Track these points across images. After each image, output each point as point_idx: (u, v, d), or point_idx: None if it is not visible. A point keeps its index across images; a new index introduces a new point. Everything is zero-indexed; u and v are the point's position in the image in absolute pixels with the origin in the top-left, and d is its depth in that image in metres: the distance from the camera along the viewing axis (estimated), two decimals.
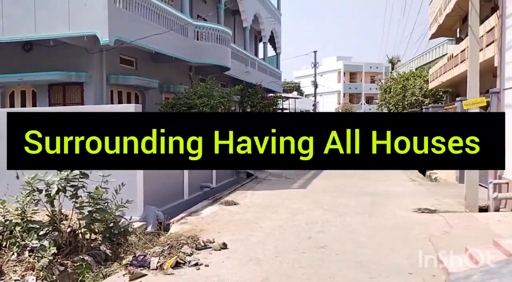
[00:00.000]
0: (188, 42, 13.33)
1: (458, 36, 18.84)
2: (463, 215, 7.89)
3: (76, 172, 5.21)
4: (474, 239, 5.98)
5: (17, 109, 10.50)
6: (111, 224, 5.82)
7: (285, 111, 28.07)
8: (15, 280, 4.60)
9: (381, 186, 12.07)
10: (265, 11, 22.58)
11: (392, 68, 46.13)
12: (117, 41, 9.65)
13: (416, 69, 28.18)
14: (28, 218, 5.19)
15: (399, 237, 6.50)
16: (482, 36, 10.87)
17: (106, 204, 5.65)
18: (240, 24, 20.15)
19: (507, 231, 6.31)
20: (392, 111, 26.20)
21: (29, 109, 9.84)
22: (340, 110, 56.75)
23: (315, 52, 39.13)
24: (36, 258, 4.77)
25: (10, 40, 10.07)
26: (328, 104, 62.67)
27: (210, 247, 5.90)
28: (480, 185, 9.04)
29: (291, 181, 13.18)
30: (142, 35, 10.31)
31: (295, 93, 45.18)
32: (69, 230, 5.46)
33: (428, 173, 15.13)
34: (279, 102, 23.37)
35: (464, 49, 10.44)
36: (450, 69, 15.79)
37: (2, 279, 4.46)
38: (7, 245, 4.92)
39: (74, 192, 5.34)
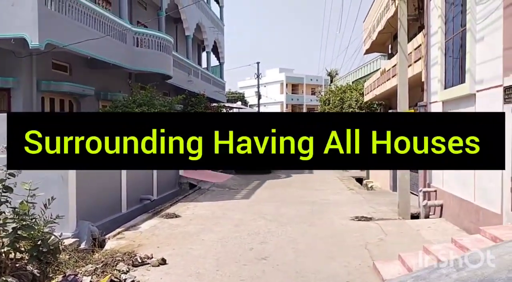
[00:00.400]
0: (127, 48, 12.89)
1: (390, 52, 20.08)
2: (396, 222, 8.31)
3: None
4: (406, 245, 6.30)
5: None
6: (39, 242, 5.37)
7: None
8: None
9: (321, 194, 12.43)
10: (208, 21, 22.55)
11: (331, 81, 48.13)
12: (48, 45, 9.05)
13: (352, 82, 29.62)
14: None
15: (338, 245, 6.69)
16: (411, 52, 11.69)
17: (33, 220, 5.20)
18: (182, 32, 19.91)
19: (435, 237, 6.74)
20: None
21: None
22: None
23: (257, 63, 39.86)
24: None
25: None
26: None
27: (148, 263, 5.65)
28: (412, 193, 9.63)
29: (234, 192, 13.14)
30: (77, 39, 9.77)
31: (239, 103, 45.41)
32: None
33: (364, 181, 15.87)
34: (222, 112, 23.32)
35: (395, 65, 11.14)
36: (383, 83, 16.76)
37: None
38: None
39: None
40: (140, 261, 5.67)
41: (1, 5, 8.74)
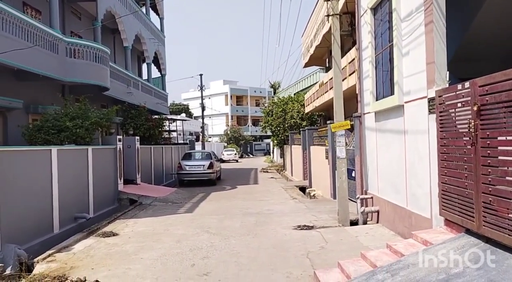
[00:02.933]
0: (60, 59, 12.22)
1: (327, 65, 20.94)
2: (336, 229, 8.54)
3: None
4: (346, 252, 6.47)
5: None
6: None
7: (172, 133, 27.51)
8: None
9: (265, 205, 12.49)
10: (148, 32, 22.10)
11: (274, 93, 49.05)
12: None
13: (294, 94, 30.43)
14: None
15: (280, 256, 6.71)
16: (346, 66, 12.25)
17: None
18: (120, 43, 19.30)
19: (373, 243, 7.00)
20: (274, 132, 27.70)
21: None
22: (228, 132, 58.07)
23: (200, 75, 39.68)
24: None
25: None
26: (217, 126, 63.72)
27: None
28: (351, 200, 9.98)
29: (177, 206, 12.82)
30: (1, 49, 9.10)
31: (183, 115, 44.75)
32: None
33: (307, 190, 16.22)
34: (165, 124, 22.83)
35: (332, 78, 11.61)
36: (321, 95, 17.39)
37: None
38: None
39: None
40: None
41: None
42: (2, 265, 6.41)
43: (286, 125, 25.61)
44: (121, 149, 13.58)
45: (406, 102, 6.96)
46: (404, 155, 7.10)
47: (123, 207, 12.64)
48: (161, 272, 6.00)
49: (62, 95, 13.17)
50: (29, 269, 6.62)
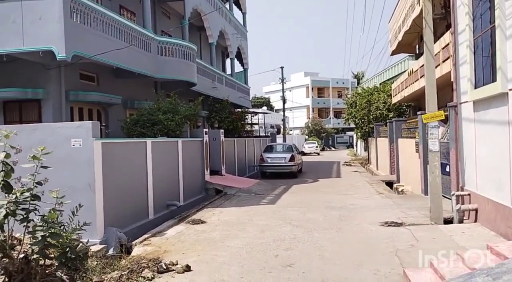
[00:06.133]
0: (152, 57, 13.12)
1: (417, 52, 19.57)
2: (428, 227, 7.99)
3: (27, 194, 4.87)
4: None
5: None
6: (67, 249, 5.47)
7: (254, 126, 28.09)
8: None
9: (349, 199, 12.16)
10: (231, 28, 22.72)
11: (358, 83, 47.43)
12: (75, 57, 9.32)
13: (380, 84, 29.04)
14: None
15: (366, 252, 6.47)
16: (439, 52, 11.30)
17: (61, 228, 5.31)
18: (206, 40, 20.13)
19: (470, 243, 6.42)
20: (358, 125, 26.77)
21: None
22: (309, 125, 57.63)
23: (282, 68, 39.70)
24: None
25: None
26: (298, 119, 63.59)
27: (173, 270, 5.65)
28: (444, 197, 9.26)
29: (260, 197, 13.06)
30: (103, 50, 10.02)
31: (264, 108, 45.44)
32: (21, 256, 5.08)
33: (395, 185, 15.44)
34: (247, 117, 23.37)
35: (423, 65, 10.80)
36: (411, 84, 16.31)
37: None
38: None
39: (25, 216, 4.99)
40: (165, 267, 5.68)
41: (29, 19, 9.08)
42: (106, 246, 7.11)
43: (371, 117, 24.56)
44: (207, 141, 14.19)
45: (510, 89, 6.22)
46: (508, 148, 6.36)
47: (210, 197, 13.24)
48: (246, 261, 6.16)
49: (154, 91, 14.17)
50: (128, 250, 7.26)
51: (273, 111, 56.65)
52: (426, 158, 9.28)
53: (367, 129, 25.86)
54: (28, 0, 9.08)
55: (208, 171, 14.23)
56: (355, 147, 45.75)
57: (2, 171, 4.66)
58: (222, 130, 16.56)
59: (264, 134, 31.20)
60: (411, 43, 19.68)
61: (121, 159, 8.42)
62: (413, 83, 15.89)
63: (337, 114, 64.63)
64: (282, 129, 42.34)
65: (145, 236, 7.89)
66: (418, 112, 12.24)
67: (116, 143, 8.55)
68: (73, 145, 7.22)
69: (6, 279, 4.57)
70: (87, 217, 5.78)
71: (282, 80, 40.17)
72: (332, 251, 6.59)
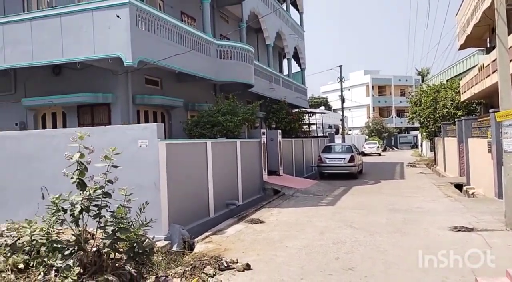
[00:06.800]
0: (211, 61, 13.48)
1: (488, 46, 18.19)
2: (503, 233, 7.38)
3: (99, 191, 5.21)
4: None
5: (49, 130, 10.85)
6: (135, 244, 5.77)
7: (312, 126, 27.78)
8: None
9: (414, 202, 11.59)
10: (288, 28, 22.68)
11: (422, 80, 45.13)
12: (140, 62, 9.84)
13: (446, 81, 27.37)
14: (53, 238, 5.21)
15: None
16: None
17: (129, 223, 5.61)
18: (263, 41, 20.30)
19: None
20: (423, 124, 25.44)
21: (59, 130, 10.10)
22: (370, 124, 55.86)
23: (340, 66, 38.89)
24: (61, 278, 4.74)
25: (40, 64, 10.46)
26: (357, 118, 61.93)
27: (234, 268, 5.74)
28: None
29: (319, 198, 12.87)
30: (165, 55, 10.47)
31: (322, 108, 44.81)
32: (94, 249, 5.45)
33: (464, 188, 14.46)
34: (304, 117, 23.18)
35: (495, 59, 10.00)
36: (481, 80, 15.19)
37: None
38: (34, 265, 4.92)
39: (97, 212, 5.34)
40: (226, 265, 5.79)
41: (99, 28, 9.75)
42: (170, 242, 7.40)
43: (437, 115, 23.21)
44: (265, 142, 14.28)
45: None
46: None
47: (268, 197, 13.29)
48: (305, 262, 6.09)
49: (214, 94, 14.54)
50: (191, 247, 7.48)
51: (331, 111, 55.69)
52: (500, 158, 8.57)
53: (433, 129, 24.48)
54: (99, 10, 9.75)
55: (266, 171, 14.30)
56: (419, 147, 43.54)
57: (77, 170, 5.02)
58: (279, 131, 16.58)
59: (322, 134, 30.76)
60: (481, 37, 18.34)
61: (184, 159, 8.72)
62: (484, 79, 14.79)
63: (400, 113, 61.99)
64: (340, 129, 41.47)
65: (206, 233, 8.11)
66: (491, 110, 11.36)
67: (179, 144, 8.88)
68: (140, 146, 7.59)
69: (81, 270, 4.91)
70: (153, 214, 6.05)
71: (341, 79, 39.37)
72: (396, 256, 6.31)
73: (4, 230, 6.54)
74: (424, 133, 27.16)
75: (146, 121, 12.01)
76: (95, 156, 5.07)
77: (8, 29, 10.60)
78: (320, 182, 16.92)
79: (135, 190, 5.51)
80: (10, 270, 4.64)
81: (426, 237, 7.45)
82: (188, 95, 13.76)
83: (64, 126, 11.57)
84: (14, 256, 4.82)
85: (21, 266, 4.78)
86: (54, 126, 11.83)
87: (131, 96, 11.09)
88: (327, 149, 20.82)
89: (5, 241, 5.54)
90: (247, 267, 5.75)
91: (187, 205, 8.68)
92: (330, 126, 45.70)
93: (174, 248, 7.22)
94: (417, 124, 29.18)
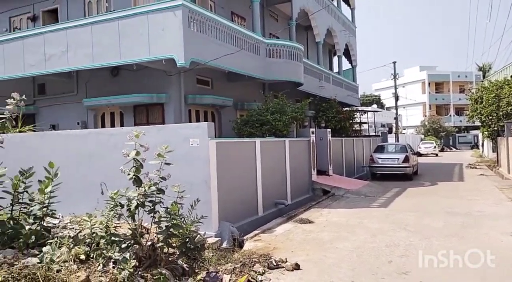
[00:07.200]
0: (261, 60, 13.54)
1: None
2: None
3: (153, 188, 5.40)
4: None
5: (107, 129, 11.46)
6: (187, 239, 5.94)
7: (363, 125, 27.03)
8: None
9: (474, 205, 10.91)
10: (339, 25, 22.23)
11: (483, 77, 42.37)
12: (192, 63, 10.09)
13: (511, 76, 25.46)
14: (112, 231, 5.48)
15: (497, 265, 5.70)
16: None
17: (182, 219, 5.78)
18: (313, 39, 20.06)
19: None
20: (485, 122, 23.87)
21: (117, 129, 10.64)
22: (426, 123, 53.40)
23: (394, 63, 37.45)
24: (118, 269, 4.98)
25: (100, 66, 11.07)
26: (412, 117, 59.48)
27: (283, 267, 5.72)
28: None
29: (371, 199, 12.50)
30: (216, 55, 10.67)
31: (374, 106, 43.48)
32: (149, 243, 5.67)
33: None
34: (355, 116, 22.61)
35: None
36: None
37: None
38: (94, 256, 5.19)
39: (152, 207, 5.54)
40: (275, 264, 5.78)
41: (154, 31, 10.12)
42: (220, 239, 7.53)
43: (501, 113, 21.64)
44: (314, 141, 14.10)
45: None
46: None
47: (317, 197, 13.12)
48: (356, 264, 5.94)
49: (262, 92, 14.59)
50: (240, 245, 7.57)
51: (383, 109, 53.93)
52: None
53: (495, 128, 22.87)
54: (153, 13, 10.13)
55: (315, 170, 14.12)
56: (480, 148, 40.90)
57: (133, 166, 5.24)
58: (329, 130, 16.29)
59: (374, 133, 29.85)
60: None
61: (233, 157, 8.82)
62: None
63: (459, 111, 58.66)
64: (394, 129, 39.99)
65: (255, 232, 8.15)
66: None
67: (228, 142, 9.00)
68: (191, 144, 7.79)
69: (137, 263, 5.12)
70: (203, 211, 6.19)
71: (394, 76, 37.93)
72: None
73: (67, 223, 6.99)
74: (486, 132, 25.47)
75: (197, 120, 12.31)
76: (149, 154, 5.27)
77: (71, 34, 11.32)
78: (371, 183, 16.42)
79: (186, 187, 5.65)
80: (73, 261, 4.93)
81: (486, 242, 6.98)
82: (238, 94, 13.92)
83: (121, 125, 12.17)
84: (76, 247, 5.12)
85: (82, 257, 5.06)
86: (112, 125, 12.48)
87: (183, 96, 11.42)
88: (380, 149, 20.17)
89: (68, 233, 5.90)
90: (296, 266, 5.70)
91: (236, 203, 8.77)
92: (382, 125, 44.25)
93: (224, 245, 7.32)
94: (477, 123, 27.43)
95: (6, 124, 5.45)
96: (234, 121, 12.48)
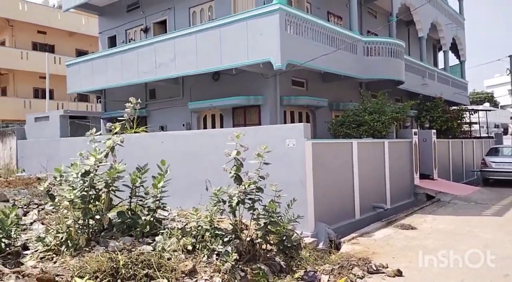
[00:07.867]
0: (358, 58, 13.14)
1: None
2: None
3: (253, 186, 5.62)
4: None
5: (210, 130, 12.21)
6: (284, 237, 6.06)
7: (473, 125, 24.56)
8: (205, 280, 5.18)
9: None
10: (444, 18, 20.54)
11: None
12: (288, 65, 10.22)
13: None
14: (215, 225, 5.85)
15: None
16: None
17: (279, 218, 5.92)
18: (415, 34, 18.84)
19: None
20: None
21: (218, 130, 11.28)
22: None
23: (510, 56, 33.33)
24: (221, 261, 5.28)
25: (203, 72, 11.82)
26: None
27: (383, 272, 5.51)
28: None
29: (482, 207, 11.33)
30: (311, 56, 10.65)
31: (486, 105, 39.28)
32: (248, 239, 5.92)
33: None
34: (464, 115, 20.65)
35: None
36: None
37: (195, 277, 5.05)
38: (200, 248, 5.58)
39: (251, 204, 5.77)
40: (375, 268, 5.59)
41: (252, 36, 10.48)
42: (316, 239, 7.51)
43: None
44: (416, 143, 13.24)
45: None
46: None
47: (419, 202, 12.30)
48: (466, 275, 5.45)
49: (359, 92, 14.15)
50: (337, 247, 7.45)
51: (497, 108, 48.36)
52: None
53: None
54: (252, 19, 10.51)
55: (418, 174, 13.24)
56: None
57: (234, 165, 5.54)
58: (433, 131, 15.14)
59: (486, 135, 26.94)
60: None
61: (329, 158, 8.73)
62: None
63: None
64: (510, 129, 35.60)
65: (353, 235, 7.96)
66: None
67: (324, 143, 8.93)
68: (288, 145, 7.91)
69: (237, 257, 5.37)
70: (299, 210, 6.24)
71: (511, 71, 33.76)
72: None
73: (175, 216, 7.62)
74: None
75: (292, 121, 12.43)
76: (247, 154, 5.50)
77: (178, 42, 12.29)
78: (483, 189, 14.85)
79: (283, 186, 5.77)
80: (181, 250, 5.36)
81: None
82: (333, 95, 13.72)
83: (221, 126, 12.86)
84: (184, 238, 5.55)
85: (189, 247, 5.47)
86: (213, 126, 13.25)
87: (278, 98, 11.64)
88: (494, 152, 18.16)
89: (176, 225, 6.43)
90: (398, 273, 5.44)
91: (332, 205, 8.66)
92: (496, 126, 39.70)
93: (320, 245, 7.30)
94: None
95: (125, 126, 6.18)
96: (330, 122, 12.31)
